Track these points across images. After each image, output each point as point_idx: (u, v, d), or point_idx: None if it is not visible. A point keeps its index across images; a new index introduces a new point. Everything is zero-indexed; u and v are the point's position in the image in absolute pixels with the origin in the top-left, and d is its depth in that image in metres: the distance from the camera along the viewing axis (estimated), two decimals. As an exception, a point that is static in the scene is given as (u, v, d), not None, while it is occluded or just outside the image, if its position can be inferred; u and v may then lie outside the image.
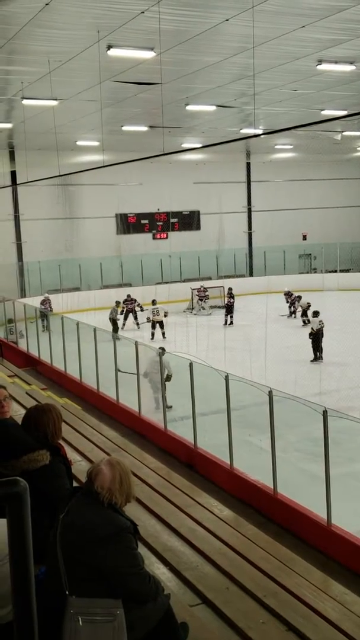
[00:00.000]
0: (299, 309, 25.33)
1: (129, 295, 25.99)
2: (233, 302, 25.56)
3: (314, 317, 19.33)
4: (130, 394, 12.53)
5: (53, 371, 16.37)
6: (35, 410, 4.63)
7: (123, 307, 25.27)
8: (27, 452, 4.31)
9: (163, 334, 22.86)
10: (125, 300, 25.50)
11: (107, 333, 14.27)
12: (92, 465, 3.71)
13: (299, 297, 26.00)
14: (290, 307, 26.41)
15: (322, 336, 18.81)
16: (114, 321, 23.41)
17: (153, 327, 22.92)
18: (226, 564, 5.70)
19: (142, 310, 25.05)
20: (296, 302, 26.05)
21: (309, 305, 23.79)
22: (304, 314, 24.33)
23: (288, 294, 26.59)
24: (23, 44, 12.63)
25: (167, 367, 12.49)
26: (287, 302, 26.67)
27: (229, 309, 25.53)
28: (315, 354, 18.66)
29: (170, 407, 12.77)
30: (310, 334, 18.90)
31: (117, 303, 24.52)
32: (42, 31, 11.86)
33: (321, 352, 18.75)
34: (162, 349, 13.06)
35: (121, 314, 25.06)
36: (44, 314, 20.74)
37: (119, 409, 12.80)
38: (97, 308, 26.45)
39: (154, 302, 23.69)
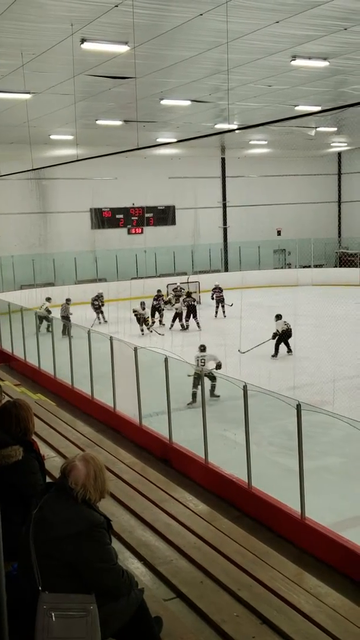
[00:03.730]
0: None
1: (159, 291, 26.15)
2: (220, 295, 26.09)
3: (277, 320, 19.21)
4: (106, 389, 12.49)
5: (27, 367, 16.25)
6: (14, 407, 4.58)
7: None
8: (-1, 448, 4.29)
9: (142, 329, 22.93)
10: (156, 297, 25.43)
11: (81, 329, 14.17)
12: (66, 460, 3.70)
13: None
14: (218, 304, 26.30)
15: (290, 336, 18.89)
16: (66, 318, 21.61)
17: (140, 323, 23.07)
18: (201, 558, 5.72)
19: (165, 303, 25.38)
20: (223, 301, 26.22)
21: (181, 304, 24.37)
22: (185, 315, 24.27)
23: (218, 289, 26.47)
24: (-5, 36, 12.48)
25: (215, 359, 14.69)
26: (212, 297, 26.62)
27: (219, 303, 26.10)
28: (276, 352, 18.83)
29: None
30: (275, 336, 18.93)
31: (68, 300, 23.91)
32: (15, 24, 11.71)
33: (289, 347, 18.97)
34: (203, 346, 15.39)
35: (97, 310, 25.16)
36: (43, 317, 18.58)
37: (94, 404, 12.75)
38: (71, 303, 26.30)
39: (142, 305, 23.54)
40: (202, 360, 14.76)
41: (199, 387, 12.13)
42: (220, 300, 26.21)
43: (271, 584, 5.38)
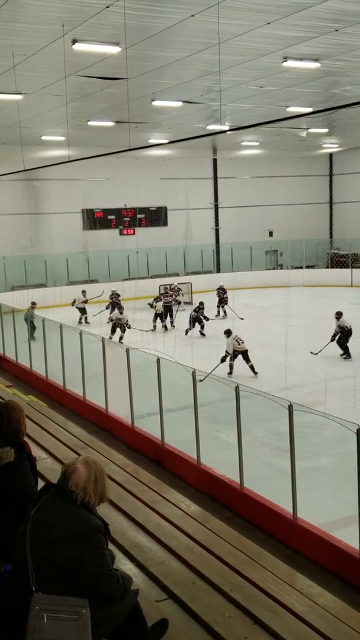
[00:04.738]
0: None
1: (166, 288, 26.03)
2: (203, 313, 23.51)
3: (338, 318, 18.40)
4: (97, 390, 12.48)
5: (18, 368, 16.21)
6: (6, 408, 4.58)
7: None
8: (-10, 449, 4.27)
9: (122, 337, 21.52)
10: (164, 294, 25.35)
11: (74, 330, 14.16)
12: (68, 462, 3.68)
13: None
14: (220, 304, 26.25)
15: (351, 335, 18.20)
16: (31, 322, 19.35)
17: (114, 330, 21.94)
18: (193, 559, 5.72)
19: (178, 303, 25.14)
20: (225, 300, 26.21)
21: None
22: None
23: (222, 290, 26.45)
24: (-14, 36, 12.44)
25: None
26: (219, 295, 26.43)
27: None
28: (346, 351, 18.19)
29: None
30: (335, 336, 18.29)
31: (33, 304, 22.37)
32: (6, 24, 11.68)
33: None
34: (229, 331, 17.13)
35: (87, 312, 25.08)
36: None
37: (86, 405, 12.73)
38: (63, 304, 26.25)
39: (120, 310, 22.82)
40: (240, 340, 16.80)
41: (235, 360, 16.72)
42: (223, 300, 26.17)
43: (263, 585, 5.39)
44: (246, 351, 16.70)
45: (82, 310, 25.49)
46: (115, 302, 25.04)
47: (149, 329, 23.61)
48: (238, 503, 8.29)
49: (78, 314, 25.45)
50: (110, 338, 21.16)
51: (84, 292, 26.04)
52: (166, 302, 24.53)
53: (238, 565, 5.71)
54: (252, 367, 16.58)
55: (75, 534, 3.36)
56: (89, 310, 25.63)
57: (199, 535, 6.37)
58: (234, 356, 16.76)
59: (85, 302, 25.58)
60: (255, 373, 16.50)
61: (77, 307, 25.46)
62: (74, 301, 25.61)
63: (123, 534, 6.15)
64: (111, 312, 24.58)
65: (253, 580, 5.46)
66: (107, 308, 25.54)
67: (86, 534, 3.39)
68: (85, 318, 25.34)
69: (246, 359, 16.68)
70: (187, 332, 22.45)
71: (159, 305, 24.13)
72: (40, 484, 4.19)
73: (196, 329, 22.42)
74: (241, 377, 15.67)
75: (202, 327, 22.42)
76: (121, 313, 22.25)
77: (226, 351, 16.87)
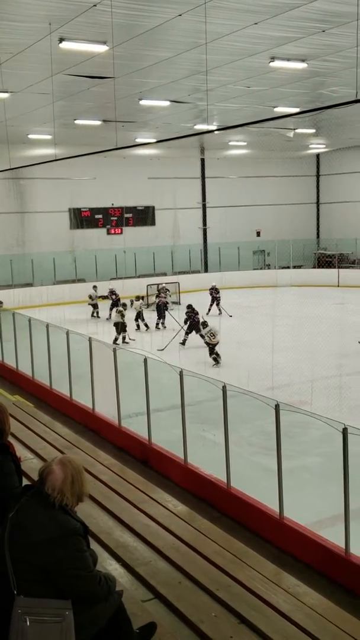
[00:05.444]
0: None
1: (162, 287, 26.49)
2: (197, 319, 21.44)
3: None
4: (84, 390, 12.43)
5: (4, 368, 16.12)
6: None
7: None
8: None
9: (123, 337, 21.21)
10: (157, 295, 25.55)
11: (60, 329, 14.10)
12: (44, 464, 3.65)
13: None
14: (212, 302, 26.29)
15: None
16: None
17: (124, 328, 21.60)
18: (179, 558, 5.71)
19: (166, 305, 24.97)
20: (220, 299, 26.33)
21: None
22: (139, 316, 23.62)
23: (214, 289, 26.52)
24: (-28, 34, 12.37)
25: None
26: (211, 295, 26.45)
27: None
28: None
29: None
30: None
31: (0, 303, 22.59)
32: (-8, 22, 11.65)
33: None
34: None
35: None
36: None
37: (72, 405, 12.68)
38: (50, 304, 26.19)
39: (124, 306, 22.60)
40: (212, 335, 17.93)
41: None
42: (216, 299, 26.20)
43: (250, 584, 5.39)
44: (216, 344, 18.00)
45: (95, 305, 26.50)
46: (115, 301, 25.28)
47: (135, 335, 23.24)
48: (225, 502, 8.28)
49: (90, 308, 26.46)
50: (125, 337, 21.34)
51: (95, 287, 26.85)
52: (160, 302, 24.49)
53: (224, 565, 5.71)
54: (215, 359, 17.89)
55: (54, 537, 3.33)
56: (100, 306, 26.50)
57: (185, 535, 6.36)
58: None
59: (99, 296, 26.61)
60: (218, 363, 17.72)
61: (89, 304, 26.42)
62: (91, 298, 26.67)
63: (109, 534, 6.12)
64: (111, 309, 24.94)
65: (239, 579, 5.45)
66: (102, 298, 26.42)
67: (63, 537, 3.36)
68: (97, 312, 26.34)
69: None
70: (184, 342, 20.56)
71: (137, 304, 23.88)
72: (26, 484, 4.16)
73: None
74: (227, 377, 15.66)
75: (202, 336, 19.10)
76: (123, 316, 21.63)
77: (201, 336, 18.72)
